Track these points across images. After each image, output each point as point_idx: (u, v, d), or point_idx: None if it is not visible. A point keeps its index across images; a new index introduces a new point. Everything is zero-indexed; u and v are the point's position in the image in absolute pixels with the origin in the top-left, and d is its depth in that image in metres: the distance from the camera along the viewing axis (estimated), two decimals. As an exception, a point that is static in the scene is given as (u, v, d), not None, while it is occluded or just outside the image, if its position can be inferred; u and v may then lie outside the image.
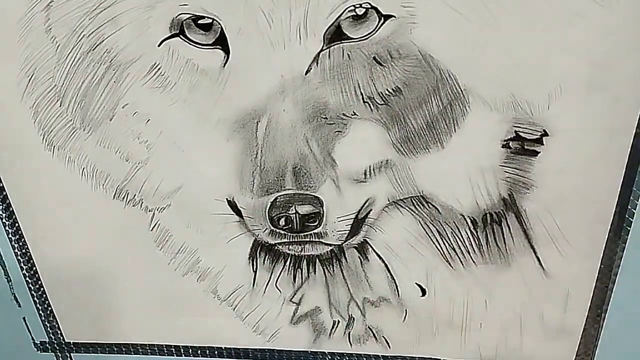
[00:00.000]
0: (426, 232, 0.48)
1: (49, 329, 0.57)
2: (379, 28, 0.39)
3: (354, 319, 0.54)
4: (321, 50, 0.40)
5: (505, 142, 0.44)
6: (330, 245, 0.49)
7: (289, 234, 0.47)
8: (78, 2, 0.40)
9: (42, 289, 0.55)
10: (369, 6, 0.39)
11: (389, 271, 0.51)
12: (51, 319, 0.57)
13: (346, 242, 0.49)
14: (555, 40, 0.39)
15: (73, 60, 0.42)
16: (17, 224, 0.50)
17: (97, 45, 0.41)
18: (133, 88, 0.43)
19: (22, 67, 0.42)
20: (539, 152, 0.44)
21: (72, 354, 0.59)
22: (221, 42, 0.41)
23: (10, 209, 0.50)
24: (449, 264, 0.50)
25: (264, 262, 0.51)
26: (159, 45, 0.41)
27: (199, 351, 0.57)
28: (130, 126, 0.45)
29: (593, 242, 0.48)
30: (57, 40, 0.41)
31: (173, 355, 0.57)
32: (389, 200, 0.47)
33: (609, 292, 0.49)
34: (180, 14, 0.40)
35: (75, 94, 0.43)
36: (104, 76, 0.42)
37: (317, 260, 0.51)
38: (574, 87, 0.41)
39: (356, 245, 0.50)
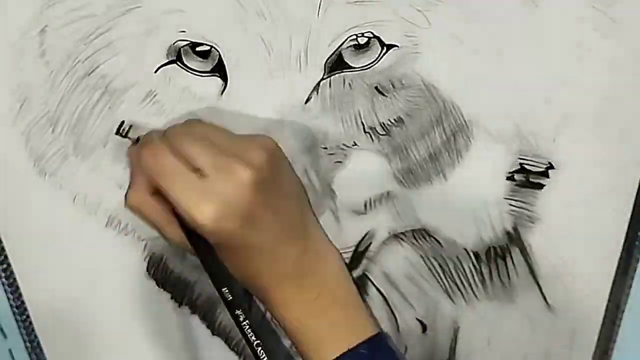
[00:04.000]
0: (428, 267, 0.47)
1: (35, 361, 0.56)
2: (381, 57, 0.39)
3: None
4: (322, 79, 0.40)
5: (509, 175, 0.43)
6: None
7: (287, 266, 0.46)
8: (74, 27, 0.39)
9: (29, 320, 0.53)
10: (372, 35, 0.38)
11: (388, 306, 0.50)
12: (38, 351, 0.55)
13: (345, 276, 0.47)
14: (561, 72, 0.39)
15: (67, 85, 0.41)
16: (4, 253, 0.49)
17: (92, 71, 0.40)
18: (128, 115, 0.42)
19: (14, 92, 0.41)
20: (545, 185, 0.43)
21: (58, 388, 0.57)
22: (219, 69, 0.40)
23: (-2, 237, 0.48)
24: (451, 299, 0.48)
25: (259, 295, 0.50)
26: (155, 72, 0.40)
27: (191, 386, 0.55)
28: (125, 153, 0.44)
29: (600, 278, 0.47)
30: (52, 65, 0.40)
31: (164, 390, 0.55)
32: (389, 233, 0.46)
33: (617, 329, 0.48)
34: (177, 41, 0.39)
35: (69, 120, 0.42)
36: (98, 102, 0.42)
37: (315, 293, 0.49)
38: (580, 120, 0.40)
39: (355, 279, 0.48)
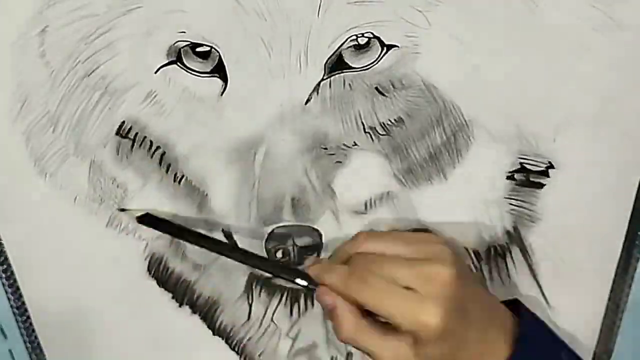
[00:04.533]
0: (428, 266, 0.47)
1: (35, 361, 0.55)
2: (381, 58, 0.39)
3: (352, 354, 0.52)
4: (322, 80, 0.40)
5: (510, 174, 0.43)
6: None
7: (287, 266, 0.46)
8: (74, 27, 0.39)
9: (29, 320, 0.53)
10: (372, 36, 0.38)
11: (388, 306, 0.50)
12: (38, 351, 0.55)
13: (345, 276, 0.47)
14: (561, 72, 0.39)
15: (68, 86, 0.41)
16: (4, 254, 0.49)
17: (92, 71, 0.40)
18: (128, 115, 0.42)
19: (15, 92, 0.41)
20: (545, 185, 0.43)
21: (59, 388, 0.57)
22: (219, 70, 0.40)
23: (-1, 237, 0.48)
24: (452, 299, 0.48)
25: (260, 295, 0.50)
26: (155, 73, 0.40)
27: (191, 387, 0.55)
28: (126, 153, 0.44)
29: (600, 277, 0.47)
30: (52, 65, 0.40)
31: (164, 391, 0.55)
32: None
33: (617, 329, 0.48)
34: (178, 41, 0.39)
35: (69, 120, 0.42)
36: (98, 102, 0.41)
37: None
38: (581, 120, 0.40)
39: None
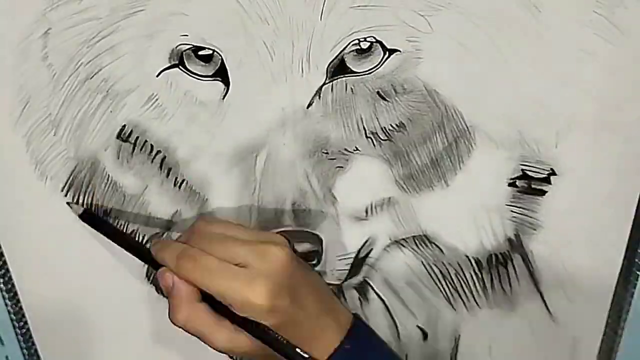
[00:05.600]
0: (429, 273, 0.47)
1: (32, 368, 0.55)
2: (383, 62, 0.39)
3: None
4: (324, 84, 0.40)
5: (511, 181, 0.43)
6: (329, 285, 0.47)
7: (287, 272, 0.46)
8: (76, 30, 0.39)
9: (26, 326, 0.52)
10: (374, 40, 0.38)
11: (389, 313, 0.49)
12: (35, 358, 0.54)
13: (345, 282, 0.47)
14: (564, 78, 0.39)
15: (70, 88, 0.41)
16: (3, 258, 0.48)
17: (94, 74, 0.40)
18: (130, 118, 0.42)
19: (17, 95, 0.41)
20: (546, 192, 0.43)
21: (55, 395, 0.56)
22: (221, 73, 0.40)
23: (-3, 241, 0.48)
24: (452, 306, 0.48)
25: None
26: (157, 76, 0.40)
27: (190, 394, 0.54)
28: (126, 158, 0.44)
29: (602, 285, 0.46)
30: (54, 68, 0.40)
31: (162, 399, 0.55)
32: (390, 239, 0.45)
33: (619, 338, 0.48)
34: (180, 45, 0.39)
35: (71, 123, 0.42)
36: (100, 105, 0.41)
37: (315, 300, 0.49)
38: (583, 127, 0.40)
39: (356, 286, 0.48)
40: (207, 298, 0.39)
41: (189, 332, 0.39)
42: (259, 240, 0.39)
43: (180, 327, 0.39)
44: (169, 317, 0.39)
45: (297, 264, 0.39)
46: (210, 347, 0.40)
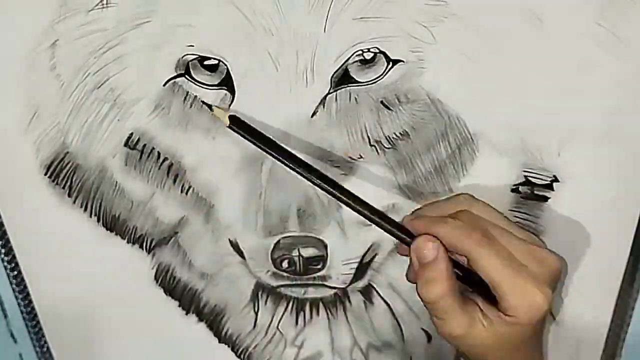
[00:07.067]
0: (433, 278, 0.47)
1: (44, 366, 0.56)
2: (387, 72, 0.39)
3: (357, 363, 0.52)
4: (328, 94, 0.40)
5: (514, 187, 0.43)
6: (334, 288, 0.48)
7: (292, 276, 0.46)
8: (84, 41, 0.39)
9: (39, 325, 0.54)
10: (377, 51, 0.38)
11: (394, 316, 0.50)
12: (47, 355, 0.56)
13: (350, 286, 0.48)
14: (566, 87, 0.39)
15: (77, 98, 0.41)
16: (15, 260, 0.49)
17: (102, 84, 0.41)
18: (137, 126, 0.43)
19: (26, 104, 0.42)
20: (549, 198, 0.43)
21: (67, 393, 0.57)
22: (227, 83, 0.40)
23: (9, 245, 0.49)
24: (456, 310, 0.48)
25: (265, 304, 0.50)
26: (164, 85, 0.41)
27: (197, 393, 0.55)
28: (133, 164, 0.44)
29: (605, 291, 0.46)
30: (62, 78, 0.41)
31: (170, 397, 0.56)
32: (395, 245, 0.46)
33: (621, 342, 0.48)
34: (186, 55, 0.39)
35: (79, 131, 0.43)
36: (108, 114, 0.42)
37: (321, 303, 0.50)
38: (585, 135, 0.40)
39: (361, 289, 0.48)
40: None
41: (430, 308, 0.37)
42: (530, 241, 0.38)
43: (430, 302, 0.37)
44: (422, 290, 0.37)
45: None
46: (439, 330, 0.38)
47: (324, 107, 0.40)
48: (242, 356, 0.53)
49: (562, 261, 0.37)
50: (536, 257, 0.37)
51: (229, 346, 0.53)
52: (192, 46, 0.39)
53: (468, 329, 0.37)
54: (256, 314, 0.51)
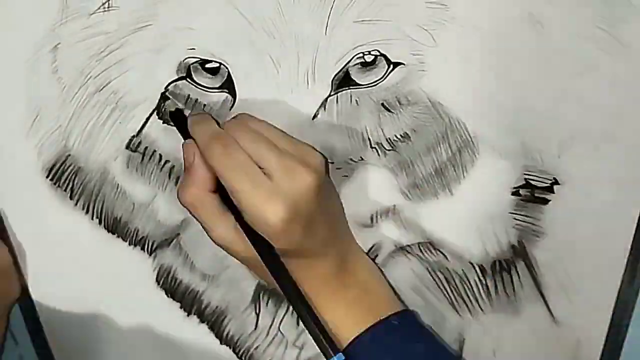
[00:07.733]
0: (433, 279, 0.47)
1: (46, 367, 0.56)
2: (387, 75, 0.39)
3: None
4: (329, 96, 0.40)
5: (515, 190, 0.43)
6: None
7: (293, 277, 0.46)
8: (85, 44, 0.39)
9: (39, 326, 0.54)
10: (378, 53, 0.38)
11: (394, 317, 0.50)
12: (48, 357, 0.56)
13: (351, 287, 0.48)
14: (566, 90, 0.39)
15: (79, 101, 0.42)
16: (16, 262, 0.49)
17: (103, 87, 0.41)
18: (138, 129, 0.43)
19: (28, 107, 0.42)
20: (550, 200, 0.43)
21: (68, 394, 0.57)
22: (228, 86, 0.40)
23: (11, 246, 0.49)
24: (457, 311, 0.49)
25: (267, 305, 0.50)
26: (165, 88, 0.41)
27: (199, 395, 0.55)
28: (136, 166, 0.44)
29: (605, 291, 0.47)
30: (64, 81, 0.41)
31: (172, 398, 0.56)
32: (395, 246, 0.46)
33: (621, 342, 0.48)
34: (187, 58, 0.39)
35: (81, 134, 0.43)
36: (109, 117, 0.42)
37: (322, 304, 0.50)
38: (585, 137, 0.40)
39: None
40: (219, 188, 0.37)
41: (191, 214, 0.38)
42: (293, 154, 0.36)
43: (184, 203, 0.38)
44: (177, 192, 0.38)
45: (324, 193, 0.37)
46: (207, 235, 0.39)
47: (324, 109, 0.41)
48: (243, 357, 0.53)
49: (318, 179, 0.36)
50: (287, 169, 0.35)
51: (230, 347, 0.53)
52: (194, 49, 0.39)
53: (229, 239, 0.37)
54: (257, 315, 0.51)
